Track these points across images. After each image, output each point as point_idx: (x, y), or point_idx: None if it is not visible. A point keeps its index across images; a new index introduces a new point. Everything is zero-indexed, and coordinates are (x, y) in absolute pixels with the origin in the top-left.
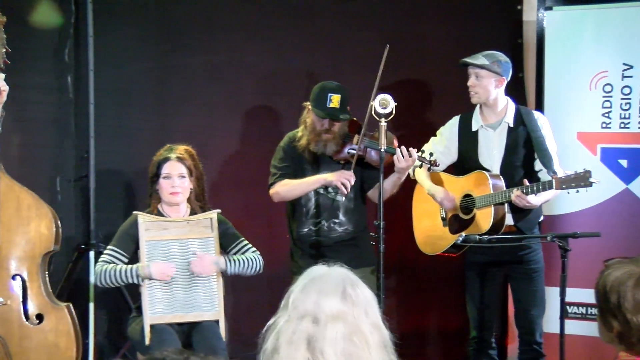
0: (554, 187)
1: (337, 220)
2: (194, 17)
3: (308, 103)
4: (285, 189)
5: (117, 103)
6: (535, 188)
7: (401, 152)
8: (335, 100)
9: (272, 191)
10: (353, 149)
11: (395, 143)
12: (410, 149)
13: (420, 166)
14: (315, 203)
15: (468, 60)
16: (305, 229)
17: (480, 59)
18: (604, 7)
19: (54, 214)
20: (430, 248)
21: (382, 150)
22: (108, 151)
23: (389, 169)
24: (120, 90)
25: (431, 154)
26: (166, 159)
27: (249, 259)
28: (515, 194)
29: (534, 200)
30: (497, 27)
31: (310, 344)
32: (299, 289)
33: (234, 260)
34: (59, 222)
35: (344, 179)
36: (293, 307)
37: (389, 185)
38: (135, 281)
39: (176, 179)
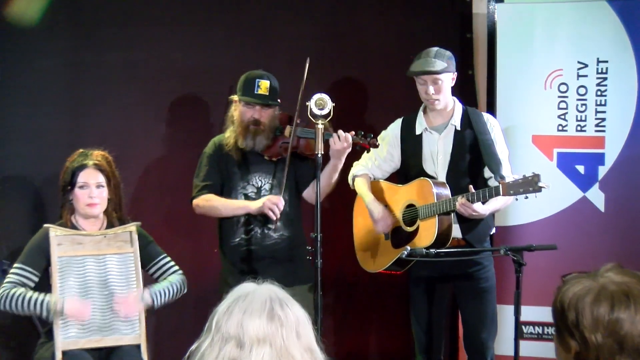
0: (501, 192)
1: (271, 226)
2: (109, 9)
3: (234, 96)
4: (207, 206)
5: (24, 102)
6: (481, 195)
7: (338, 136)
8: (263, 86)
9: (193, 204)
10: (286, 142)
11: (331, 128)
12: (348, 133)
13: (358, 147)
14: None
15: (426, 69)
16: (236, 239)
17: (437, 62)
18: (557, 1)
19: None
20: (372, 264)
21: (319, 155)
22: (13, 155)
23: (325, 160)
24: (27, 89)
25: (368, 135)
26: (82, 166)
27: (174, 286)
28: (460, 201)
29: (481, 208)
30: (443, 20)
31: None
32: (222, 309)
33: (160, 293)
34: None
35: (272, 204)
36: (216, 329)
37: (325, 177)
38: (45, 316)
39: (94, 189)
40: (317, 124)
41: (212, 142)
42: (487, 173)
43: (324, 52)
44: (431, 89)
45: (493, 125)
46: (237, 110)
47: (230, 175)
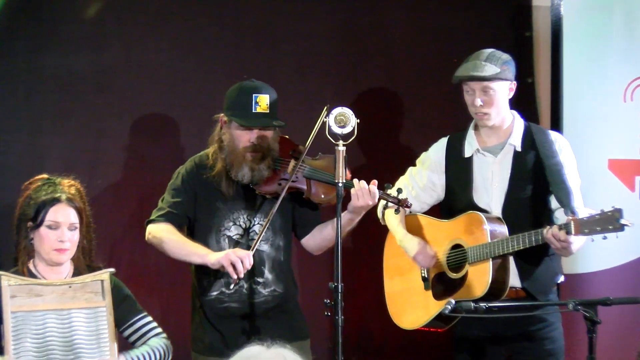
0: (573, 231)
1: (261, 280)
2: (77, 2)
3: (221, 115)
4: (159, 237)
5: None
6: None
7: (359, 185)
8: (262, 102)
9: (147, 229)
10: (285, 179)
11: (348, 174)
12: (371, 184)
13: (385, 206)
14: None
15: (474, 74)
16: (215, 293)
17: (487, 67)
18: None
19: None
20: (408, 320)
21: (340, 185)
22: None
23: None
24: None
25: (400, 191)
26: (53, 201)
27: (157, 352)
28: (552, 231)
29: (575, 246)
30: (494, 15)
31: None
32: None
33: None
34: None
35: (236, 258)
36: None
37: (333, 233)
38: None
39: (66, 231)
40: (337, 145)
41: (192, 162)
42: (552, 203)
43: (342, 55)
44: (478, 100)
45: (562, 146)
46: (228, 133)
47: (212, 211)
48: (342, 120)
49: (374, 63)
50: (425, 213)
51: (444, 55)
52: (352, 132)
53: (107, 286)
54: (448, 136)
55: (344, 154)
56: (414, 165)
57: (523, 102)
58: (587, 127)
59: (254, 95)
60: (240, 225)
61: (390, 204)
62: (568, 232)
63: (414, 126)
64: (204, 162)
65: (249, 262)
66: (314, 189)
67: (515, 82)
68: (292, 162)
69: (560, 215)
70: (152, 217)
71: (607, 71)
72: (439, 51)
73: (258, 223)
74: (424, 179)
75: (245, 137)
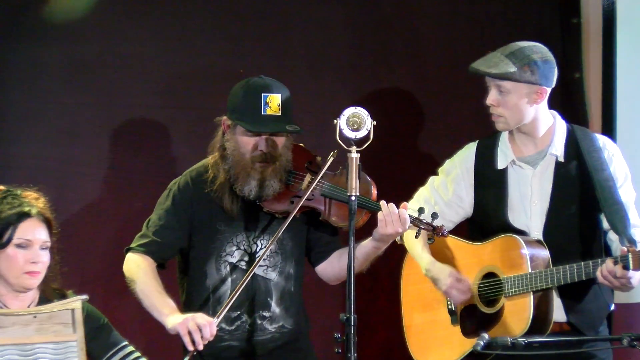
0: (631, 266)
1: (267, 314)
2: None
3: (224, 118)
4: (130, 276)
5: None
6: (592, 268)
7: (387, 209)
8: (274, 103)
9: (125, 258)
10: (299, 196)
11: (374, 192)
12: (402, 207)
13: (417, 234)
14: (233, 286)
15: (481, 68)
16: (215, 329)
17: (502, 63)
18: None
19: None
20: (432, 358)
21: (353, 198)
22: None
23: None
24: None
25: (435, 215)
26: (23, 216)
27: None
28: (607, 267)
29: (637, 276)
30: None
31: None
32: None
33: None
34: None
35: (194, 327)
36: None
37: (360, 259)
38: None
39: (38, 251)
40: (351, 151)
41: (187, 176)
42: (605, 223)
43: (360, 46)
44: (490, 98)
45: (613, 153)
46: (232, 140)
47: (211, 234)
48: (355, 122)
49: (397, 57)
50: (451, 233)
51: (479, 47)
52: (367, 137)
53: (78, 316)
54: (477, 142)
55: (358, 162)
56: (437, 175)
57: (569, 101)
58: None
59: (263, 94)
60: (244, 250)
61: (421, 231)
62: (625, 267)
63: (442, 131)
64: (202, 176)
65: (209, 332)
66: (333, 210)
67: (544, 87)
68: (308, 177)
69: (614, 237)
70: (132, 245)
71: None
72: (472, 42)
73: (266, 246)
74: (449, 192)
75: (252, 145)
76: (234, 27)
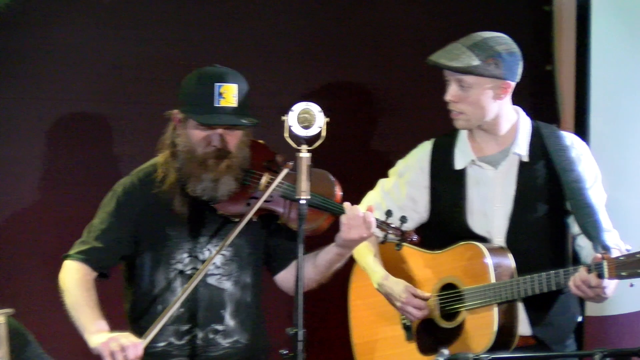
0: (606, 274)
1: (220, 328)
2: None
3: (175, 111)
4: (62, 285)
5: None
6: (563, 278)
7: (351, 212)
8: (228, 94)
9: (62, 265)
10: (256, 197)
11: (338, 194)
12: (367, 209)
13: (384, 240)
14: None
15: (441, 60)
16: (161, 344)
17: (464, 55)
18: None
19: None
20: None
21: (302, 202)
22: None
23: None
24: None
25: (404, 219)
26: None
27: None
28: (580, 276)
29: (612, 286)
30: None
31: None
32: None
33: None
34: None
35: (117, 348)
36: None
37: (320, 265)
38: None
39: None
40: (300, 150)
41: (133, 177)
42: (574, 227)
43: (313, 35)
44: (450, 93)
45: (581, 152)
46: (184, 134)
47: (159, 240)
48: (306, 119)
49: (354, 47)
50: None
51: (444, 37)
52: (319, 135)
53: (2, 332)
54: (432, 140)
55: (309, 162)
56: (387, 177)
57: (539, 96)
58: (622, 128)
59: (216, 84)
60: (195, 257)
61: (390, 238)
62: (600, 275)
63: (403, 129)
64: (151, 176)
65: (134, 354)
66: (293, 213)
67: (509, 81)
68: (267, 176)
69: (584, 243)
70: (70, 252)
71: None
72: (438, 32)
73: (220, 253)
74: (402, 195)
75: (205, 140)
76: (181, 13)
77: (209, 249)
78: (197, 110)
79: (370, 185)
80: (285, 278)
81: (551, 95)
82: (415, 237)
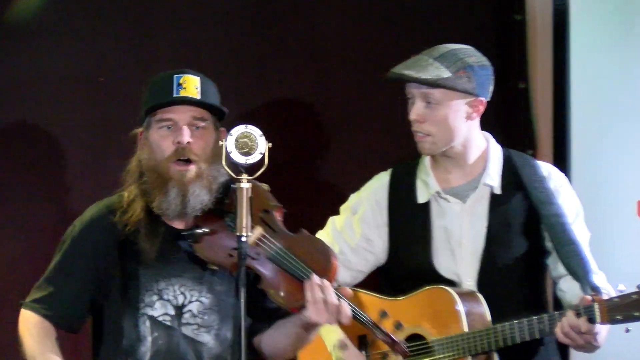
0: (598, 319)
1: None
2: None
3: (139, 129)
4: (20, 334)
5: None
6: (548, 323)
7: (317, 294)
8: (189, 84)
9: (20, 314)
10: (241, 251)
11: (334, 266)
12: (345, 300)
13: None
14: (154, 347)
15: (407, 72)
16: None
17: (432, 67)
18: None
19: None
20: None
21: (243, 239)
22: None
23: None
24: None
25: (399, 326)
26: None
27: None
28: (569, 321)
29: (603, 332)
30: None
31: None
32: None
33: None
34: None
35: None
36: None
37: (286, 341)
38: None
39: None
40: (240, 180)
41: (94, 209)
42: (555, 269)
43: (247, 47)
44: (414, 112)
45: (560, 184)
46: (146, 144)
47: (125, 279)
48: (246, 144)
49: (295, 61)
50: (358, 286)
51: (401, 51)
52: (261, 162)
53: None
54: (390, 170)
55: (250, 194)
56: (339, 214)
57: (511, 119)
58: (607, 157)
59: (175, 76)
60: (168, 301)
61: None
62: (591, 320)
63: (353, 155)
64: (113, 206)
65: None
66: (275, 281)
67: (481, 97)
68: (259, 230)
69: (567, 287)
70: (27, 300)
71: (633, 71)
72: (393, 43)
73: (197, 299)
74: (355, 235)
75: (167, 140)
76: (88, 25)
77: (183, 293)
78: (153, 102)
79: (316, 222)
80: (264, 342)
81: (525, 117)
82: (406, 350)
